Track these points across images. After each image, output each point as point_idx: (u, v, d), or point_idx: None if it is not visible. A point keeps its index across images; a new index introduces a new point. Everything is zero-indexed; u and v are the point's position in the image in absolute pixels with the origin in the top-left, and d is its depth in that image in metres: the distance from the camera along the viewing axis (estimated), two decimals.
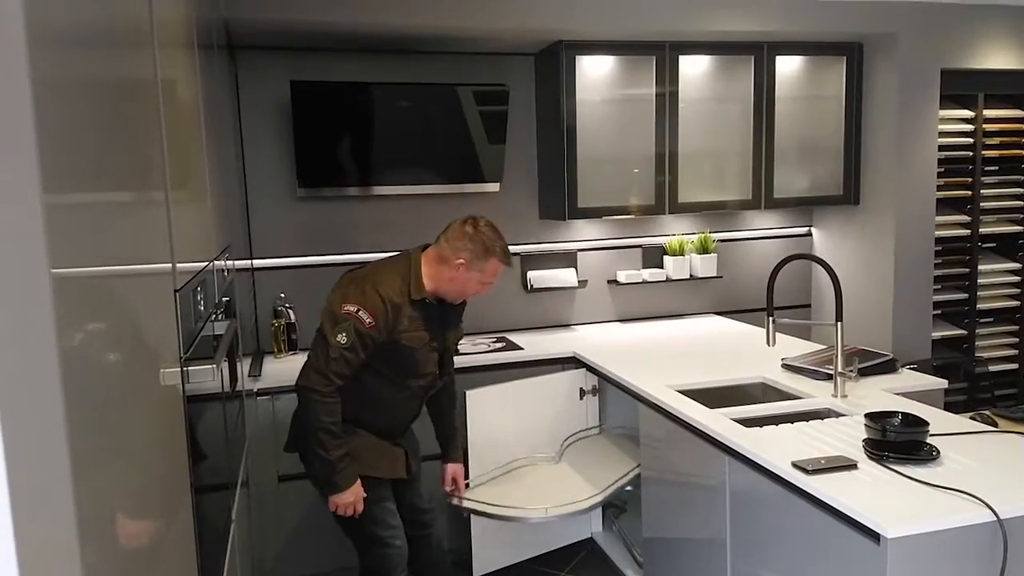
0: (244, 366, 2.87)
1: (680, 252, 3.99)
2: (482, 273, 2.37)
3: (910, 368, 2.95)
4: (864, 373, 2.65)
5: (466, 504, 2.81)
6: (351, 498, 2.34)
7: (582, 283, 3.90)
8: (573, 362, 3.37)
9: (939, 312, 3.98)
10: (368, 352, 2.28)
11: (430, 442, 2.72)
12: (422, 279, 2.35)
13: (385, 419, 2.45)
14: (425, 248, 2.43)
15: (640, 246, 4.04)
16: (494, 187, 3.67)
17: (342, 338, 2.23)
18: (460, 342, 2.65)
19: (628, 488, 3.02)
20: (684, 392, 2.63)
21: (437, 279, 2.36)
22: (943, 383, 2.72)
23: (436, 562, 2.73)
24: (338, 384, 2.26)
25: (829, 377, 2.59)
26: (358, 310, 2.24)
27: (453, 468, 2.73)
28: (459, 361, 2.71)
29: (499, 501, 2.81)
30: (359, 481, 2.35)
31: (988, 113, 3.96)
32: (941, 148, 3.82)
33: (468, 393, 2.94)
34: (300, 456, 2.51)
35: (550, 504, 2.78)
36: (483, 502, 2.82)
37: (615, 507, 3.43)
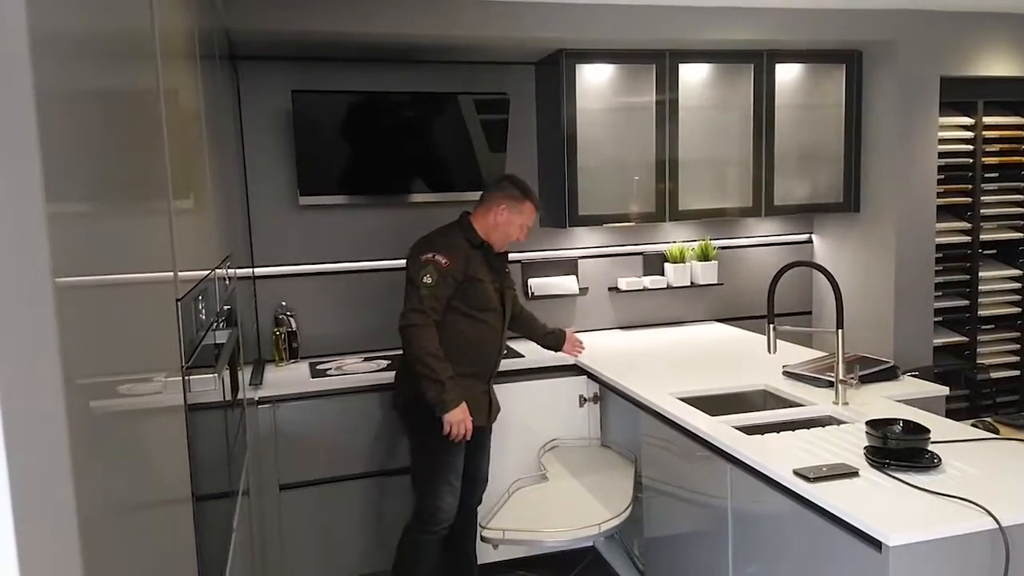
0: (245, 375, 2.87)
1: (681, 259, 3.99)
2: (521, 215, 2.82)
3: (911, 375, 2.94)
4: (865, 380, 2.65)
5: (487, 535, 2.81)
6: (461, 415, 2.66)
7: (583, 290, 3.90)
8: (574, 369, 3.37)
9: (940, 319, 3.97)
10: (450, 288, 2.69)
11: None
12: (476, 230, 2.81)
13: (475, 355, 2.79)
14: (468, 213, 2.88)
15: (641, 253, 4.04)
16: None
17: (428, 278, 2.66)
18: (514, 289, 3.07)
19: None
20: (685, 400, 2.63)
21: (485, 228, 2.82)
22: (944, 390, 2.72)
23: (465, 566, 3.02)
24: (434, 317, 2.65)
25: (830, 384, 2.58)
26: (434, 255, 2.69)
27: (568, 333, 3.20)
28: None
29: (517, 526, 2.81)
30: (464, 403, 2.67)
31: (988, 120, 3.96)
32: (941, 155, 3.83)
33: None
34: (404, 406, 2.86)
35: (570, 527, 2.77)
36: (504, 528, 2.81)
37: None
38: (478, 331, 2.79)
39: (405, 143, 3.50)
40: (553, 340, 3.21)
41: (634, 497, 2.90)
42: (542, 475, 3.15)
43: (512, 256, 3.29)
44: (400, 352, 2.82)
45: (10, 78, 0.61)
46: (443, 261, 2.67)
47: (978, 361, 4.07)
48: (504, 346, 2.95)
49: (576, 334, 3.34)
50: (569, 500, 2.95)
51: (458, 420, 2.66)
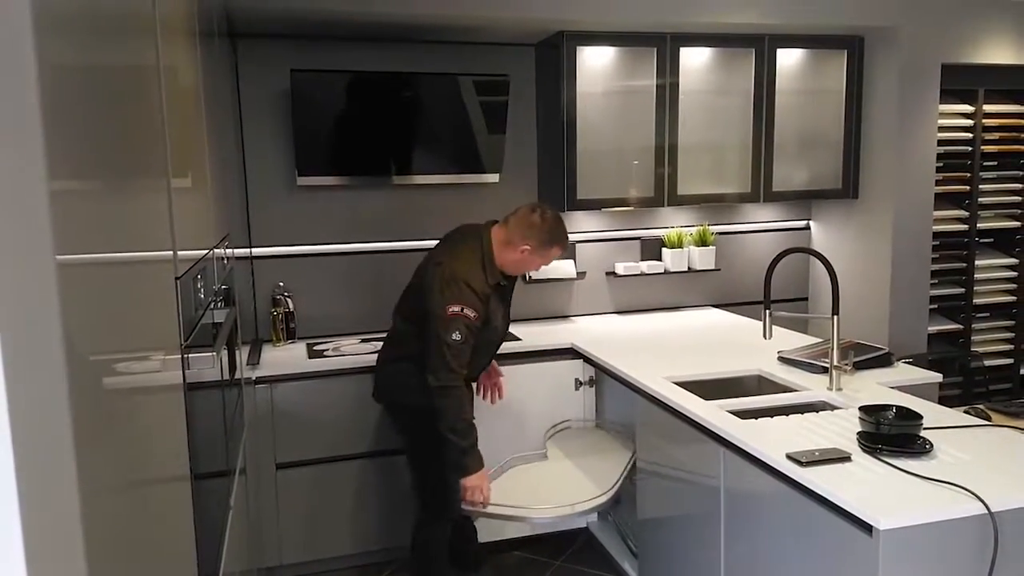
0: (243, 354, 2.88)
1: (678, 244, 3.99)
2: (543, 258, 2.75)
3: (905, 362, 2.96)
4: (859, 366, 2.66)
5: (467, 508, 2.83)
6: (478, 481, 2.64)
7: (580, 275, 3.90)
8: (570, 353, 3.38)
9: (935, 307, 3.98)
10: (475, 336, 2.62)
11: None
12: (496, 265, 2.69)
13: (472, 374, 2.77)
14: (493, 224, 2.75)
15: (639, 238, 4.04)
16: (493, 178, 3.67)
17: (457, 336, 2.56)
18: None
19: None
20: (680, 384, 2.64)
21: (502, 260, 2.70)
22: (938, 377, 2.73)
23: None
24: (463, 373, 2.60)
25: (825, 370, 2.60)
26: (462, 309, 2.58)
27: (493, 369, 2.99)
28: None
29: (503, 500, 2.80)
30: (483, 469, 2.65)
31: (988, 108, 3.95)
32: (940, 143, 3.82)
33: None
34: (386, 406, 2.93)
35: (556, 504, 2.76)
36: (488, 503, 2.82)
37: None
38: (479, 360, 2.78)
39: (404, 124, 3.48)
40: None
41: (621, 478, 2.91)
42: (541, 454, 3.17)
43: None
44: (383, 342, 2.92)
45: (13, 55, 0.61)
46: (472, 316, 2.57)
47: (972, 349, 4.09)
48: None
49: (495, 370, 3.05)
50: (558, 480, 2.97)
51: (474, 485, 2.63)
